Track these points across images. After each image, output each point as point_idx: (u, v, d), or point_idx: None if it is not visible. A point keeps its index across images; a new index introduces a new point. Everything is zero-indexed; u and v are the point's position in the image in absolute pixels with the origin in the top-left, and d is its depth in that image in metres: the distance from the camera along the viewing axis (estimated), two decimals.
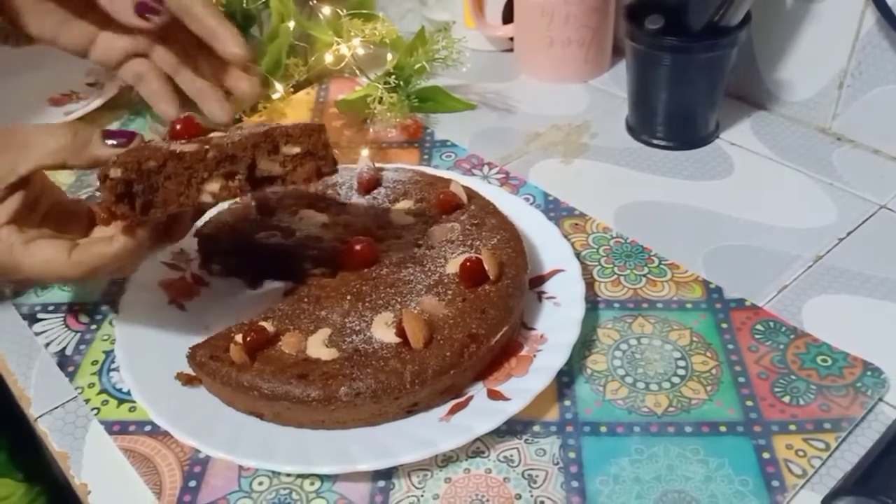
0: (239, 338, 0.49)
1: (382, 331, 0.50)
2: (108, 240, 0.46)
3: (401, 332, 0.49)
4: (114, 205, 0.43)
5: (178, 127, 0.49)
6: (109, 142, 0.46)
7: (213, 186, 0.45)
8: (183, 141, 0.47)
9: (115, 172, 0.43)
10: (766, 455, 0.46)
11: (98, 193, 0.48)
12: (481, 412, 0.47)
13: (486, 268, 0.52)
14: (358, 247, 0.54)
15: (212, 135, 0.49)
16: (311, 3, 0.78)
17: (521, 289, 0.53)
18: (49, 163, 0.46)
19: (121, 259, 0.47)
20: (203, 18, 0.52)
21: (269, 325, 0.50)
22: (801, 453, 0.46)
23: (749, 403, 0.49)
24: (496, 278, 0.52)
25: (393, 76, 0.74)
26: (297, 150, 0.46)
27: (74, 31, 0.55)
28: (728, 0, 0.64)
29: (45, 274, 0.46)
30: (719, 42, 0.66)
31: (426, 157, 0.73)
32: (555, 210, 0.65)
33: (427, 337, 0.48)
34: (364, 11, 0.79)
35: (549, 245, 0.59)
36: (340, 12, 0.77)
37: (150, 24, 0.51)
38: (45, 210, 0.50)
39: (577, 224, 0.64)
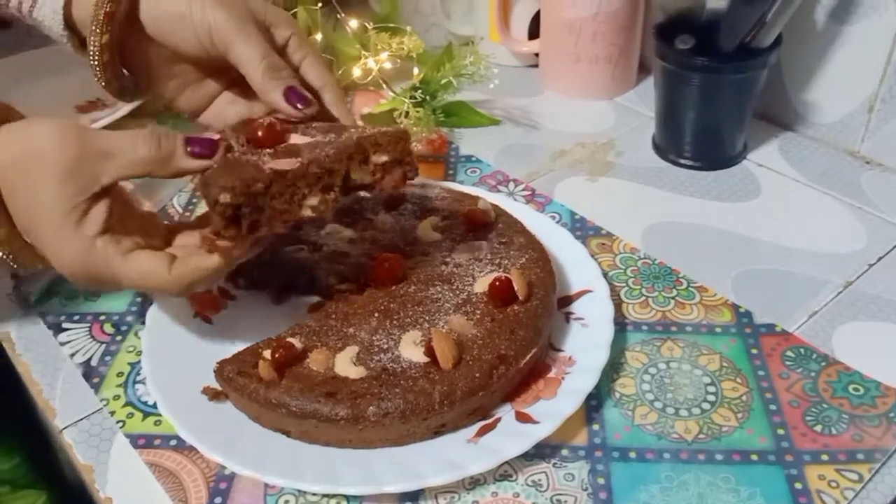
0: (267, 354, 0.49)
1: (410, 350, 0.49)
2: (205, 255, 0.46)
3: (429, 352, 0.48)
4: (223, 229, 0.44)
5: (261, 134, 0.49)
6: (192, 150, 0.46)
7: (313, 201, 0.46)
8: (268, 151, 0.48)
9: (225, 198, 0.43)
10: (798, 485, 0.46)
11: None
12: (509, 434, 0.47)
13: (516, 288, 0.51)
14: (386, 263, 0.54)
15: (290, 139, 0.49)
16: (338, 16, 0.78)
17: (549, 309, 0.52)
18: (132, 174, 0.46)
19: (220, 273, 0.47)
20: (332, 106, 0.53)
21: (296, 342, 0.50)
22: (833, 484, 0.46)
23: (780, 432, 0.48)
24: (525, 298, 0.52)
25: (419, 90, 0.74)
26: (385, 158, 0.48)
27: (196, 94, 0.56)
28: (760, 21, 0.64)
29: (145, 286, 0.46)
30: (750, 63, 0.66)
31: (451, 172, 0.73)
32: (581, 229, 0.65)
33: (456, 357, 0.48)
34: (391, 25, 0.79)
35: (576, 265, 0.58)
36: (367, 26, 0.77)
37: (296, 113, 0.51)
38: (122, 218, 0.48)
39: (603, 244, 0.63)
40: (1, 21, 0.60)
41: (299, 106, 0.50)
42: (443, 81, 0.74)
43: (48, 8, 0.54)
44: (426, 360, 0.48)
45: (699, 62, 0.66)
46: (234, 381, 0.48)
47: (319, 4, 0.77)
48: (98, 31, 0.52)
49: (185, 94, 0.56)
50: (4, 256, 0.47)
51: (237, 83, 0.53)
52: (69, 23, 0.54)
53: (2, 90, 0.85)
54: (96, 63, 0.53)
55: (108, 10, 0.51)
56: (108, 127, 0.77)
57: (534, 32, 0.85)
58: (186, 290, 0.47)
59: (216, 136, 0.48)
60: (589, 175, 0.72)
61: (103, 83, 0.54)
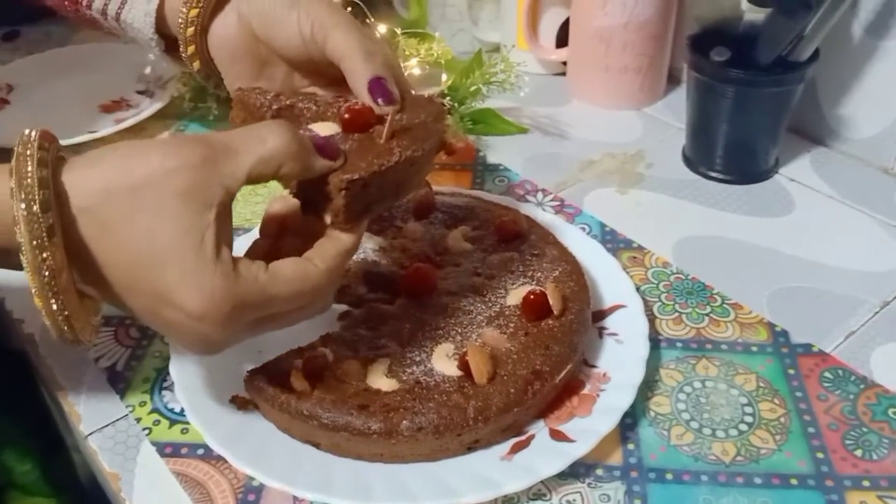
0: (299, 364, 0.48)
1: (443, 363, 0.48)
2: (334, 238, 0.43)
3: (463, 366, 0.47)
4: (344, 209, 0.42)
5: (347, 116, 0.46)
6: (323, 151, 0.42)
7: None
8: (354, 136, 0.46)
9: (353, 176, 0.42)
10: None
11: None
12: (544, 453, 0.46)
13: (551, 302, 0.51)
14: (418, 274, 0.53)
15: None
16: (367, 21, 0.78)
17: (584, 325, 0.51)
18: (264, 171, 0.39)
19: (352, 254, 0.44)
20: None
21: (327, 352, 0.49)
22: None
23: (820, 456, 0.47)
24: (560, 313, 0.51)
25: (447, 97, 0.74)
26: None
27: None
28: (799, 35, 0.63)
29: (301, 293, 0.40)
30: (786, 77, 0.65)
31: (478, 181, 0.72)
32: (612, 241, 0.64)
33: (491, 372, 0.47)
34: (419, 31, 0.78)
35: (608, 279, 0.58)
36: (396, 31, 0.77)
37: (377, 108, 0.46)
38: None
39: (635, 257, 0.62)
40: (48, 10, 0.60)
41: (379, 101, 0.46)
42: (472, 88, 0.74)
43: (139, 10, 0.53)
44: (459, 373, 0.48)
45: (734, 75, 0.65)
46: (264, 391, 0.47)
47: (348, 9, 0.76)
48: (184, 42, 0.52)
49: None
50: (62, 323, 0.39)
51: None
52: (160, 26, 0.54)
53: (26, 89, 0.84)
54: (193, 71, 0.53)
55: (193, 27, 0.51)
56: (131, 128, 0.76)
57: (562, 40, 0.84)
58: (338, 279, 0.43)
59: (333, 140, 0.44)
60: (619, 186, 0.71)
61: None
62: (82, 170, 0.38)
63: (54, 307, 0.38)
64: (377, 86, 0.46)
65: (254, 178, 0.39)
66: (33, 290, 0.37)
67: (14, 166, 0.37)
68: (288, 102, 0.48)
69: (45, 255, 0.36)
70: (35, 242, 0.36)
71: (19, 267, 0.37)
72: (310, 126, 0.46)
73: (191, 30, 0.51)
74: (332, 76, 0.50)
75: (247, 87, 0.51)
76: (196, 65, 0.53)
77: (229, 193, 0.38)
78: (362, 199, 0.43)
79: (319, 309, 0.44)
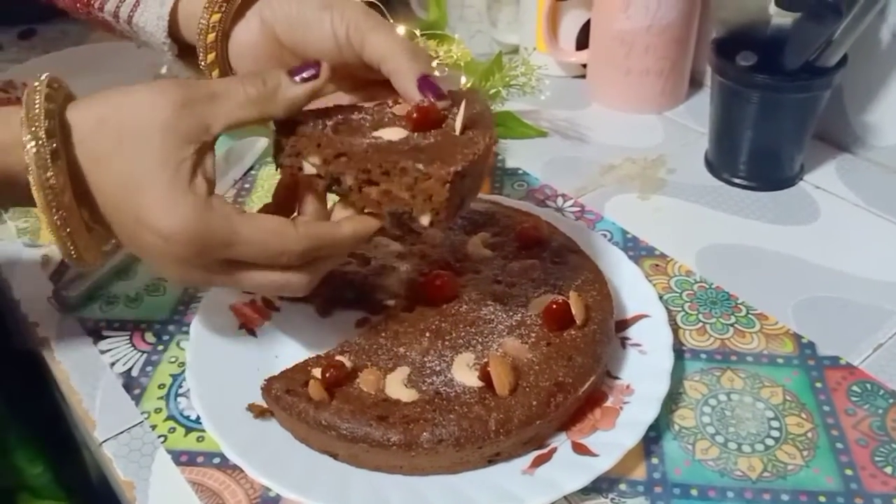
0: (317, 372, 0.47)
1: (464, 373, 0.48)
2: (334, 223, 0.44)
3: (485, 376, 0.46)
4: (447, 199, 0.42)
5: (417, 115, 0.45)
6: (299, 76, 0.44)
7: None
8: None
9: (456, 169, 0.42)
10: None
11: None
12: (567, 466, 0.45)
13: (574, 312, 0.49)
14: (438, 282, 0.52)
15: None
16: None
17: (608, 335, 0.50)
18: (243, 116, 0.43)
19: (344, 247, 0.45)
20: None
21: (346, 360, 0.48)
22: None
23: (848, 472, 0.46)
24: (582, 323, 0.50)
25: None
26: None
27: None
28: (827, 40, 0.61)
29: (267, 247, 0.42)
30: (813, 83, 0.64)
31: (497, 185, 0.71)
32: (634, 249, 0.63)
33: (513, 383, 0.46)
34: (438, 32, 0.78)
35: (631, 287, 0.56)
36: (415, 33, 0.76)
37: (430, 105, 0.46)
38: None
39: (657, 265, 0.61)
40: (61, 12, 0.59)
41: (431, 97, 0.46)
42: (491, 91, 0.72)
43: (151, 13, 0.52)
44: (480, 384, 0.47)
45: (760, 80, 0.64)
46: (282, 399, 0.47)
47: None
48: (203, 49, 0.51)
49: None
50: (65, 238, 0.42)
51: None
52: (173, 31, 0.53)
53: None
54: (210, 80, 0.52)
55: (214, 33, 0.50)
56: None
57: (582, 43, 0.83)
58: (311, 251, 0.43)
59: (320, 61, 0.45)
60: (640, 192, 0.70)
61: None
62: (83, 108, 0.42)
63: (57, 222, 0.41)
64: (427, 83, 0.46)
65: (236, 122, 0.43)
66: (39, 206, 0.41)
67: (25, 100, 0.41)
68: (341, 118, 0.47)
69: (48, 174, 0.40)
70: (40, 163, 0.40)
71: (28, 198, 0.41)
72: (374, 134, 0.45)
73: (211, 36, 0.50)
74: (359, 80, 0.49)
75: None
76: (216, 73, 0.52)
77: (210, 133, 0.42)
78: (459, 191, 0.43)
79: (294, 285, 0.44)
